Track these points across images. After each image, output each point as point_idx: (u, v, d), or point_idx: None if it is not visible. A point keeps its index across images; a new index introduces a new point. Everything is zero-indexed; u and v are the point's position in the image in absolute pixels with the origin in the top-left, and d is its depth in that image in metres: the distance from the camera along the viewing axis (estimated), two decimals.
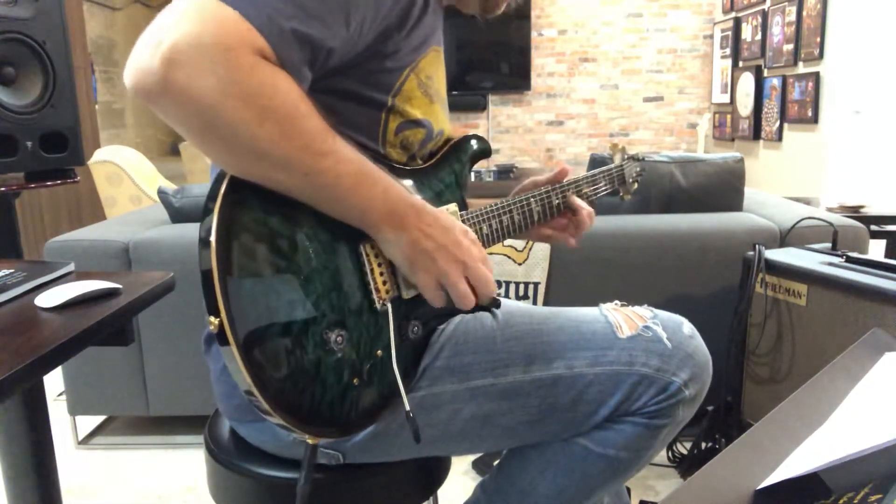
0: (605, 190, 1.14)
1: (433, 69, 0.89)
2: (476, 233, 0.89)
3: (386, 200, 0.76)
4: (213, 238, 0.67)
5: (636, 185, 1.23)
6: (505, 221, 0.96)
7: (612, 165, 1.17)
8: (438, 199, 0.90)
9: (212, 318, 0.67)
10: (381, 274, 0.81)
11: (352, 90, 0.81)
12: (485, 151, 0.99)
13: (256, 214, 0.71)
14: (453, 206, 0.91)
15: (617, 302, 0.97)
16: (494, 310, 0.94)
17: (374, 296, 0.80)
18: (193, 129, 0.67)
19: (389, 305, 0.81)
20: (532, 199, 0.99)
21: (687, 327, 0.93)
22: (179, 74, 0.62)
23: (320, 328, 0.74)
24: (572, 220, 1.04)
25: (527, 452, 0.95)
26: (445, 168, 0.94)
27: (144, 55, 0.63)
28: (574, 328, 0.91)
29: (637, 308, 0.95)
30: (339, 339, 0.76)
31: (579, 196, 1.05)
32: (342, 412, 0.77)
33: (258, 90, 0.65)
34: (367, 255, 0.80)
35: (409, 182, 0.88)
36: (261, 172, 0.70)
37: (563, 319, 0.93)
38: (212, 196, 0.70)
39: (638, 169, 1.23)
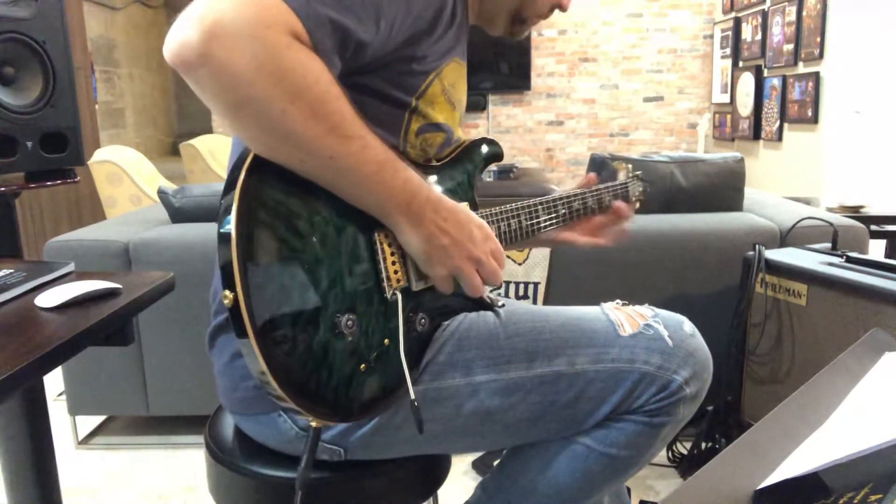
0: (608, 205, 1.14)
1: (455, 78, 0.92)
2: None
3: (405, 191, 0.77)
4: (233, 212, 0.69)
5: (638, 205, 1.24)
6: (513, 225, 0.97)
7: (618, 182, 1.18)
8: (451, 198, 0.91)
9: (227, 292, 0.69)
10: (394, 263, 0.82)
11: (377, 88, 0.83)
12: (497, 155, 1.01)
13: (276, 194, 0.73)
14: (464, 206, 0.92)
15: (618, 301, 0.98)
16: (497, 308, 0.95)
17: (385, 284, 0.81)
18: (227, 104, 0.69)
19: (399, 295, 0.82)
20: (540, 207, 1.01)
21: (688, 326, 0.93)
22: (218, 48, 0.64)
23: (332, 311, 0.75)
24: (611, 220, 1.10)
25: (527, 451, 0.95)
26: (458, 168, 0.96)
27: (185, 28, 0.65)
28: (576, 326, 0.92)
29: (638, 307, 0.96)
30: (350, 322, 0.77)
31: (584, 209, 1.08)
32: (346, 398, 0.78)
33: (292, 68, 0.67)
34: (381, 244, 0.81)
35: (433, 178, 0.90)
36: (287, 152, 0.72)
37: (564, 317, 0.93)
38: (236, 167, 0.72)
39: (641, 188, 1.25)
